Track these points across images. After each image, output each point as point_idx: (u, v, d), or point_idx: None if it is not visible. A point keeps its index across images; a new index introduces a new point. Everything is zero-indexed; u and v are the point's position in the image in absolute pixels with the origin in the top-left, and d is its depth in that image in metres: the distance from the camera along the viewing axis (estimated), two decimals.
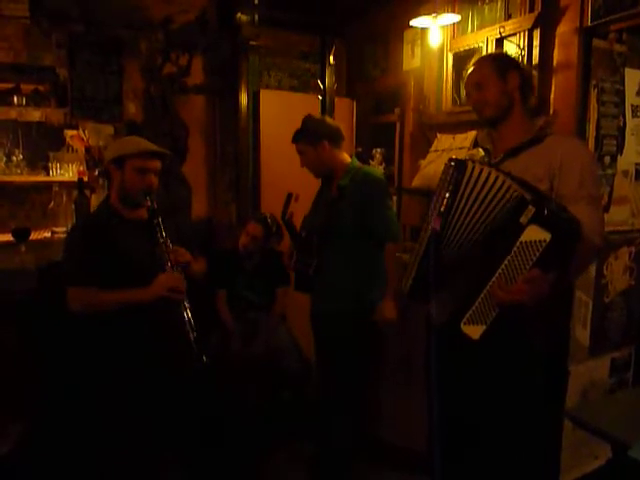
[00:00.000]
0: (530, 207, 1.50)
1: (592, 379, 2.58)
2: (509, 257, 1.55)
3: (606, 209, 2.58)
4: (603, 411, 1.87)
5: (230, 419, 2.82)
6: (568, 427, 2.44)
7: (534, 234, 1.50)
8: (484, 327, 1.62)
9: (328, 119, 2.60)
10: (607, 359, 2.66)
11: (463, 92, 3.11)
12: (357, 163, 2.56)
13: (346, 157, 2.54)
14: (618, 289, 2.66)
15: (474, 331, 1.64)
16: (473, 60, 2.03)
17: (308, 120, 2.54)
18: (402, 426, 2.73)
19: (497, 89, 1.84)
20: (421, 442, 2.08)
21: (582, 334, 2.53)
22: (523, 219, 1.51)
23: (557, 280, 1.57)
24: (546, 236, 1.49)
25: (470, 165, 1.62)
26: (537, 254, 1.51)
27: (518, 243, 1.52)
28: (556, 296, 1.60)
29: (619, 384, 2.69)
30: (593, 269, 2.53)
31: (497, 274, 1.57)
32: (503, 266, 1.56)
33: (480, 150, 2.02)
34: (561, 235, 1.50)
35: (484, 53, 2.85)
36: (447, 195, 1.63)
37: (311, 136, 2.47)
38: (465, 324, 1.65)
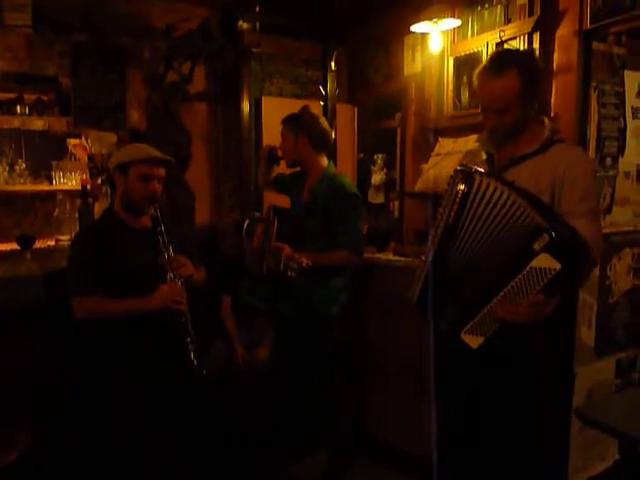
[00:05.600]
0: (544, 235, 1.49)
1: (598, 380, 2.58)
2: (517, 279, 1.55)
3: (608, 210, 2.60)
4: (611, 409, 1.88)
5: (235, 429, 2.79)
6: (575, 429, 2.43)
7: (545, 262, 1.50)
8: (483, 339, 1.67)
9: (323, 123, 2.56)
10: (613, 360, 2.65)
11: (464, 96, 3.13)
12: (333, 169, 2.57)
13: (324, 161, 2.55)
14: (622, 290, 2.66)
15: (473, 341, 1.70)
16: (485, 65, 1.79)
17: (302, 111, 2.55)
18: (411, 431, 2.72)
19: (518, 115, 1.77)
20: (429, 448, 2.08)
21: (587, 335, 2.53)
22: (536, 246, 1.50)
23: (560, 301, 1.59)
24: (556, 265, 1.49)
25: (478, 178, 1.62)
26: (545, 281, 1.51)
27: (528, 268, 1.52)
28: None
29: (625, 385, 2.68)
30: (597, 270, 2.53)
31: (503, 293, 1.59)
32: (509, 287, 1.57)
33: (483, 153, 2.00)
34: (571, 265, 1.50)
35: (484, 57, 2.87)
36: (455, 208, 1.65)
37: (296, 125, 2.50)
38: (465, 334, 1.70)
